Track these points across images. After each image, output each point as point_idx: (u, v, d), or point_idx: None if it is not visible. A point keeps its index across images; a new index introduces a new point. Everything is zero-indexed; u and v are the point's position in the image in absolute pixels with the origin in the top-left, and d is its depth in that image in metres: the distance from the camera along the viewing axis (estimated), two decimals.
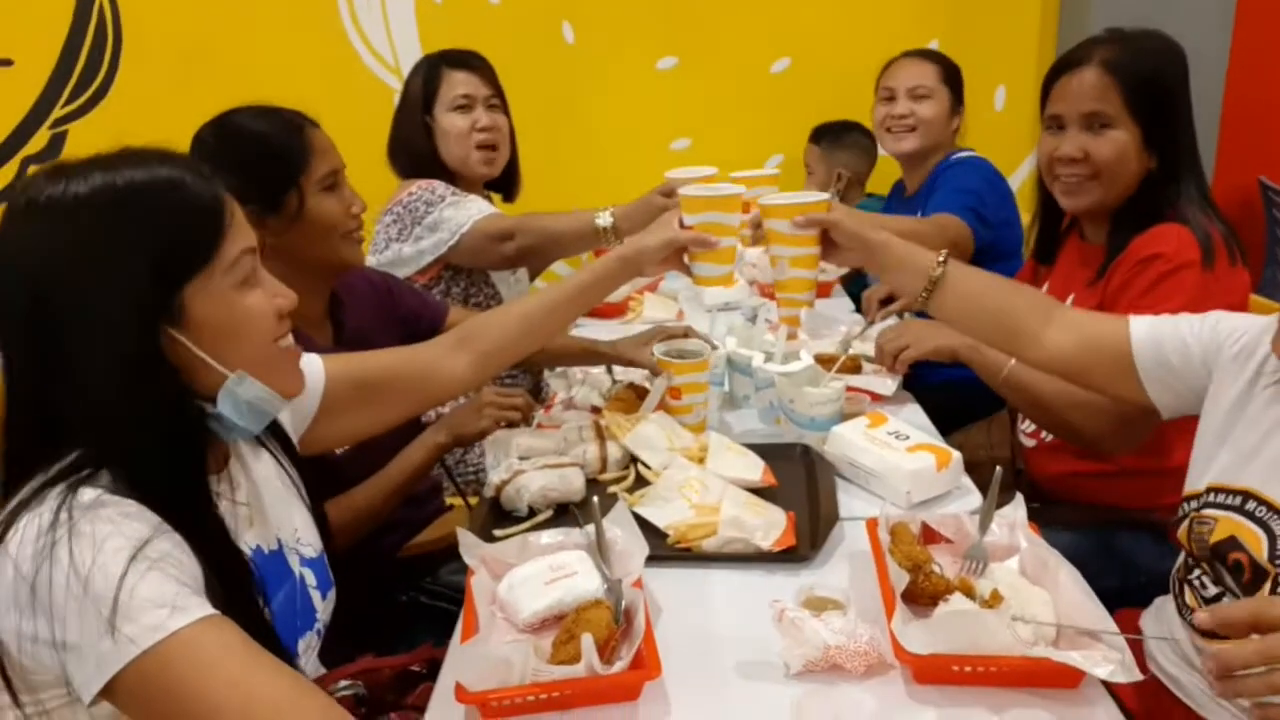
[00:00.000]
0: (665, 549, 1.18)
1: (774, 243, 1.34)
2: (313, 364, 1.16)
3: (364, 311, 1.54)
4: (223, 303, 0.89)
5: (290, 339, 0.99)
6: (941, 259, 1.28)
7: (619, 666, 0.92)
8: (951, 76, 2.26)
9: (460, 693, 0.91)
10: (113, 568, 0.76)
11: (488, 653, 0.93)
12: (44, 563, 0.76)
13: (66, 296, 0.83)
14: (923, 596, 1.03)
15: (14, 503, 0.82)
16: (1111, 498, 1.54)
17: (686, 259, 1.38)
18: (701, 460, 1.37)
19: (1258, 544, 1.01)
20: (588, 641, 0.91)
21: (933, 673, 0.94)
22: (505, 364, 1.37)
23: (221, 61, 2.96)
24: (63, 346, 0.83)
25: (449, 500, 1.75)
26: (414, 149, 2.04)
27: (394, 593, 1.47)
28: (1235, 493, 1.06)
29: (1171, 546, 1.49)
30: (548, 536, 1.18)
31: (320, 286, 1.45)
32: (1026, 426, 1.66)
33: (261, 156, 1.36)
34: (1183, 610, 1.15)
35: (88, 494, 0.81)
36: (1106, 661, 0.89)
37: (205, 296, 0.88)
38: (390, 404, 1.25)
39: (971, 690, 0.93)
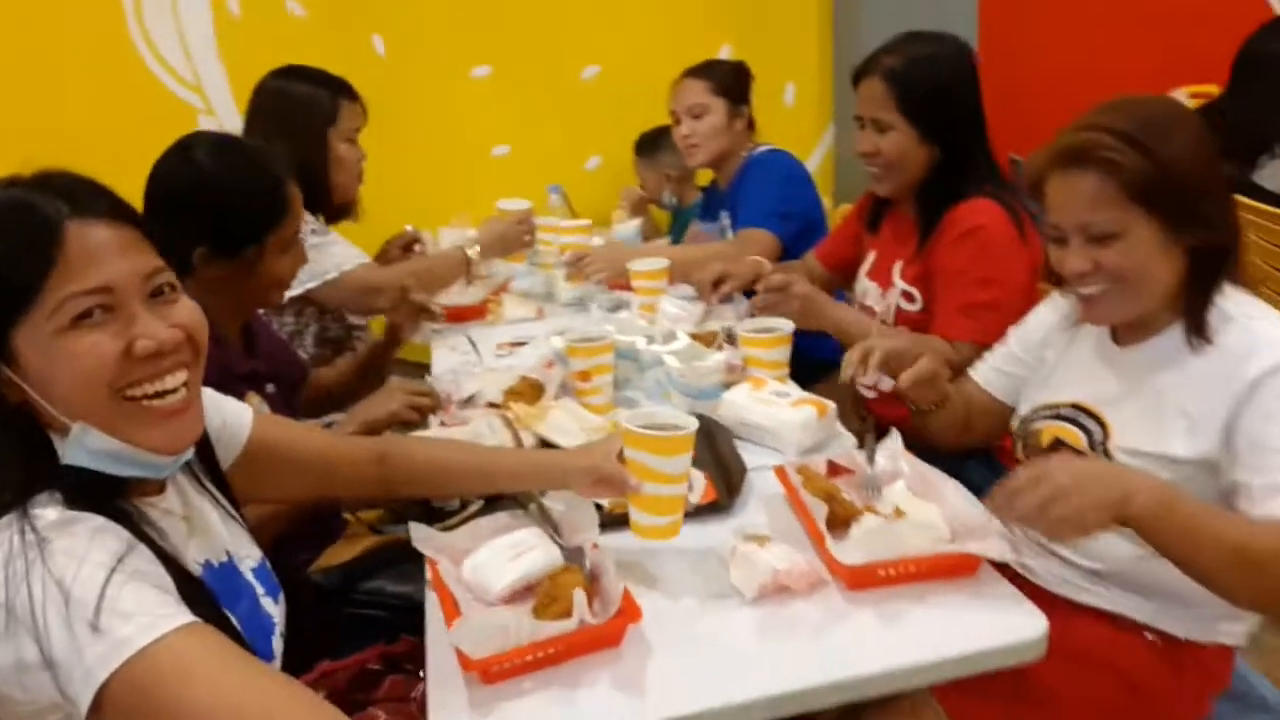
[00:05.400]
0: (605, 517, 1.28)
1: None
2: (243, 417, 1.14)
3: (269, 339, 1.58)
4: (45, 348, 0.82)
5: (161, 384, 0.87)
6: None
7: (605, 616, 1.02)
8: (723, 85, 2.40)
9: (464, 661, 0.98)
10: (94, 578, 0.76)
11: (485, 621, 1.00)
12: (21, 584, 0.76)
13: None
14: (838, 521, 1.20)
15: None
16: None
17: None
18: None
19: (1078, 441, 1.27)
20: (580, 596, 1.00)
21: (863, 580, 1.11)
22: (408, 496, 1.33)
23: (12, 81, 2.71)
24: None
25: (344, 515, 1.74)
26: (311, 174, 1.96)
27: (321, 608, 1.47)
28: (1056, 406, 1.31)
29: (1004, 469, 1.77)
30: (496, 521, 1.25)
31: (243, 313, 1.45)
32: (866, 380, 1.88)
33: (239, 205, 1.29)
34: None
35: (50, 513, 0.81)
36: (1000, 547, 1.09)
37: (32, 340, 0.82)
38: (295, 482, 1.20)
39: (896, 589, 1.11)
